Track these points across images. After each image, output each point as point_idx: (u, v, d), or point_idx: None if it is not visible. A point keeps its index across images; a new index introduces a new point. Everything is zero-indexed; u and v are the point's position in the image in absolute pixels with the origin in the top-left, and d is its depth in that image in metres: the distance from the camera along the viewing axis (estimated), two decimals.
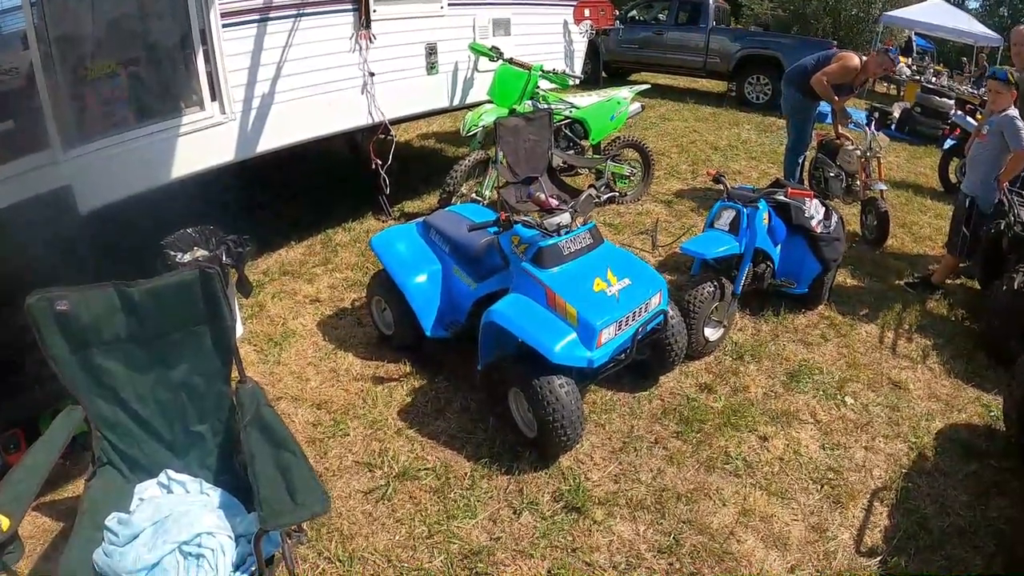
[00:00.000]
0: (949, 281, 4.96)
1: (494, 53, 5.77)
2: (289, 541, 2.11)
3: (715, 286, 3.79)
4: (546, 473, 3.01)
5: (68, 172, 3.49)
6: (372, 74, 4.97)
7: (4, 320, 2.79)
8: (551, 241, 3.09)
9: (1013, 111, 4.33)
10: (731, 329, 4.11)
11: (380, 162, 5.46)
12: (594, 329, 2.89)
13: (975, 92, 10.02)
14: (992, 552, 2.68)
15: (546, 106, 5.78)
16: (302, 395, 3.54)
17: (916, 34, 16.73)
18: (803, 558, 2.65)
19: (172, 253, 3.56)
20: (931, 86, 10.99)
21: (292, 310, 4.37)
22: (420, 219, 3.95)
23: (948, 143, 8.16)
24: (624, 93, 6.40)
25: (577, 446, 3.11)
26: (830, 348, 4.13)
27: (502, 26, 6.15)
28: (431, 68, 5.57)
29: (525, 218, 3.17)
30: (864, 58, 5.88)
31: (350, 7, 4.74)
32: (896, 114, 10.60)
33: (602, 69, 12.71)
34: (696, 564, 2.59)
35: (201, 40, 3.95)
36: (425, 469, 3.02)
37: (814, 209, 4.28)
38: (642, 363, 3.51)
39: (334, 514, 2.76)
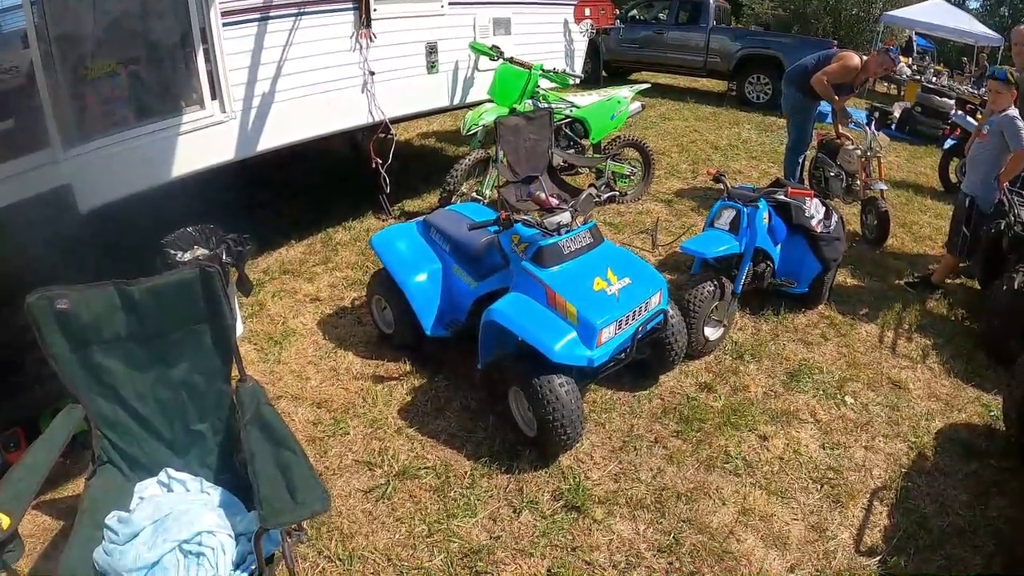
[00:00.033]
0: (949, 281, 4.97)
1: (494, 52, 5.77)
2: (289, 540, 2.11)
3: (715, 285, 3.79)
4: (546, 472, 3.01)
5: (68, 171, 3.49)
6: (372, 73, 4.97)
7: (4, 319, 2.79)
8: (551, 240, 3.09)
9: (1013, 111, 4.33)
10: (731, 328, 4.11)
11: (380, 161, 5.46)
12: (594, 328, 2.89)
13: (975, 92, 10.02)
14: (992, 552, 2.68)
15: (546, 105, 5.77)
16: (302, 394, 3.55)
17: (916, 34, 16.72)
18: (803, 557, 2.65)
19: (172, 252, 3.56)
20: (931, 86, 10.98)
21: (292, 309, 4.38)
22: (420, 218, 3.95)
23: (948, 143, 8.17)
24: (624, 92, 6.40)
25: (577, 445, 3.12)
26: (830, 348, 4.13)
27: (502, 25, 6.15)
28: (431, 67, 5.57)
29: (525, 217, 3.17)
30: (864, 58, 5.88)
31: (350, 6, 4.74)
32: (896, 114, 10.60)
33: (602, 68, 12.70)
34: (696, 563, 2.60)
35: (201, 39, 3.95)
36: (425, 468, 3.03)
37: (814, 209, 4.28)
38: (642, 362, 3.51)
39: (334, 513, 2.77)
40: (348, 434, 3.25)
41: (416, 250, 3.74)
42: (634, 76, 13.43)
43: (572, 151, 6.09)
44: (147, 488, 2.35)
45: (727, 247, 3.85)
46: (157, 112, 3.97)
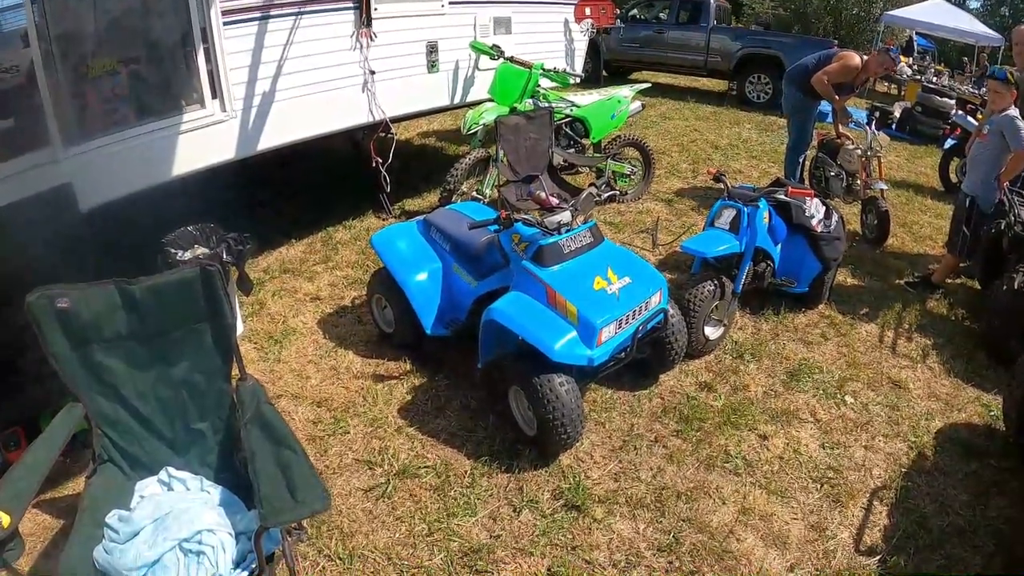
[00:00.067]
0: (949, 281, 4.97)
1: (495, 51, 5.77)
2: (289, 538, 2.12)
3: (715, 285, 3.79)
4: (546, 471, 3.02)
5: (69, 170, 3.49)
6: (373, 72, 4.97)
7: (4, 318, 2.79)
8: (552, 239, 3.10)
9: (1013, 111, 4.33)
10: (731, 328, 4.11)
11: (381, 160, 5.46)
12: (594, 327, 2.89)
13: (976, 92, 10.01)
14: (991, 551, 2.69)
15: (547, 104, 5.77)
16: (302, 393, 3.55)
17: (917, 34, 16.73)
18: (802, 557, 2.65)
19: (173, 251, 3.56)
20: (932, 86, 10.99)
21: (292, 308, 4.38)
22: (421, 217, 3.95)
23: (949, 143, 8.18)
24: (625, 92, 6.39)
25: (577, 444, 3.12)
26: (830, 347, 4.13)
27: (503, 24, 6.14)
28: (432, 66, 5.57)
29: (526, 216, 3.17)
30: (865, 57, 5.88)
31: (351, 5, 4.74)
32: (897, 114, 10.60)
33: (603, 68, 12.70)
34: (696, 562, 2.60)
35: (202, 38, 3.94)
36: (425, 467, 3.03)
37: (814, 208, 4.28)
38: (642, 362, 3.51)
39: (334, 512, 2.77)
40: (348, 433, 3.25)
41: (416, 249, 3.74)
42: (634, 75, 13.43)
43: (572, 150, 6.09)
44: (147, 487, 2.35)
45: (727, 246, 3.85)
46: (157, 111, 3.96)
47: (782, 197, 4.06)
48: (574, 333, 2.91)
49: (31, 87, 3.35)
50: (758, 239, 3.95)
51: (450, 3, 5.57)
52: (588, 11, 7.14)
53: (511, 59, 5.75)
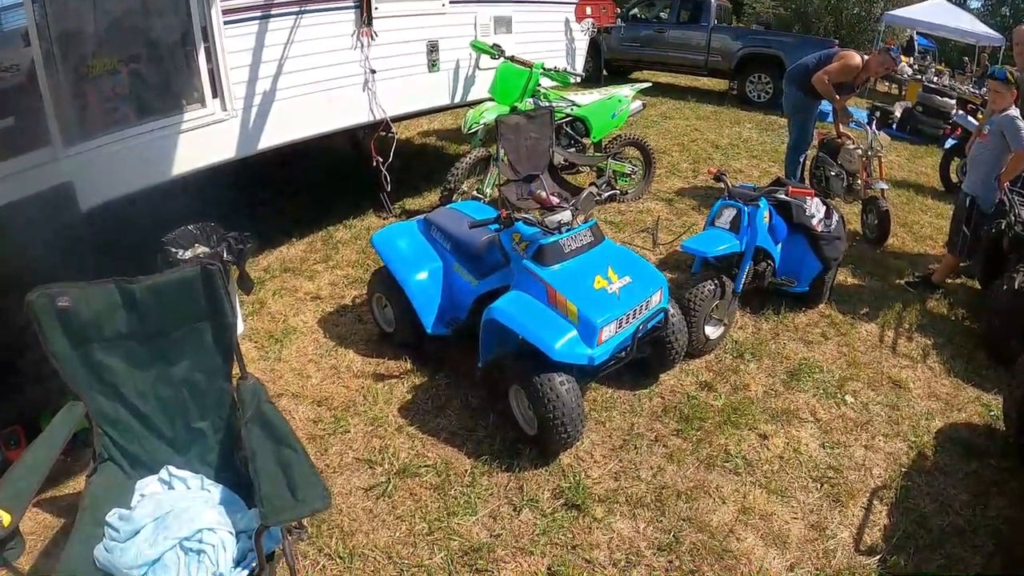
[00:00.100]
0: (949, 280, 4.97)
1: (495, 51, 5.77)
2: (290, 537, 2.12)
3: (716, 284, 3.79)
4: (546, 470, 3.02)
5: (69, 169, 3.49)
6: (373, 71, 4.97)
7: (5, 317, 2.79)
8: (552, 239, 3.10)
9: (1014, 111, 4.33)
10: (731, 327, 4.11)
11: (381, 159, 5.46)
12: (595, 327, 2.89)
13: (976, 92, 10.01)
14: (991, 551, 2.69)
15: (547, 104, 5.77)
16: (303, 392, 3.55)
17: (918, 33, 16.71)
18: (802, 556, 2.65)
19: (173, 250, 3.56)
20: (933, 85, 10.99)
21: (293, 307, 4.38)
22: (421, 216, 3.95)
23: (949, 142, 8.18)
24: (625, 91, 6.39)
25: (577, 444, 3.12)
26: (830, 347, 4.13)
27: (503, 24, 6.14)
28: (432, 66, 5.57)
29: (526, 215, 3.17)
30: (866, 57, 5.88)
31: (352, 4, 4.74)
32: (897, 113, 10.60)
33: (603, 67, 12.70)
34: (696, 562, 2.60)
35: (203, 37, 3.94)
36: (425, 466, 3.03)
37: (815, 208, 4.29)
38: (642, 361, 3.51)
39: (335, 511, 2.77)
40: (349, 432, 3.26)
41: (417, 248, 3.74)
42: (635, 75, 13.42)
43: (573, 150, 6.09)
44: (148, 485, 2.35)
45: (728, 246, 3.85)
46: (158, 110, 3.96)
47: (783, 196, 4.06)
48: (574, 332, 2.91)
49: (31, 86, 3.35)
50: (758, 239, 3.95)
51: (451, 2, 5.57)
52: (589, 10, 7.13)
53: (512, 58, 5.75)
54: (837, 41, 12.73)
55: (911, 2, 16.10)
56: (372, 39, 4.88)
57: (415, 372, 3.70)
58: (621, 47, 13.17)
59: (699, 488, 2.95)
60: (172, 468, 2.40)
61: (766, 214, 4.02)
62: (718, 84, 13.35)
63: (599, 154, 6.18)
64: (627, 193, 6.33)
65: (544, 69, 5.81)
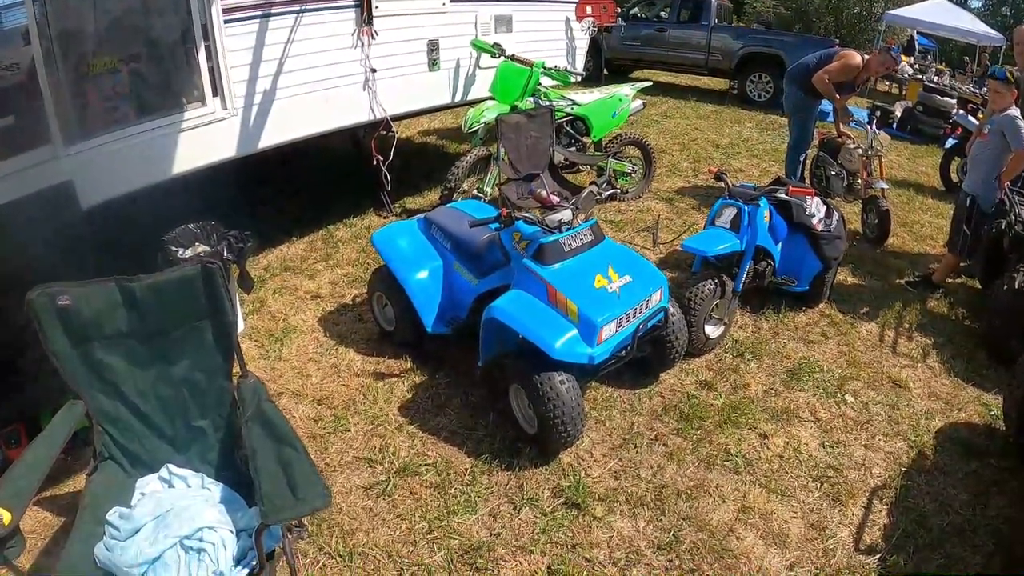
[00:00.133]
0: (950, 280, 4.97)
1: (496, 50, 5.77)
2: (290, 536, 2.12)
3: (716, 284, 3.79)
4: (546, 469, 3.02)
5: (69, 168, 3.49)
6: (374, 70, 4.96)
7: (5, 316, 2.79)
8: (552, 238, 3.10)
9: (1014, 111, 4.33)
10: (731, 327, 4.11)
11: (381, 158, 5.46)
12: (595, 326, 2.89)
13: (977, 91, 10.01)
14: (991, 551, 2.69)
15: (548, 103, 5.77)
16: (303, 391, 3.55)
17: (918, 33, 16.71)
18: (802, 555, 2.65)
19: (173, 249, 3.56)
20: (933, 85, 10.98)
21: (293, 306, 4.38)
22: (421, 215, 3.95)
23: (949, 142, 8.17)
24: (626, 90, 6.39)
25: (577, 442, 3.12)
26: (830, 346, 4.13)
27: (504, 23, 6.14)
28: (433, 64, 5.57)
29: (526, 214, 3.17)
30: (866, 57, 5.88)
31: (352, 3, 4.74)
32: (898, 113, 10.61)
33: (604, 66, 12.69)
34: (695, 561, 2.60)
35: (203, 36, 3.94)
36: (426, 465, 3.03)
37: (815, 207, 4.28)
38: (643, 360, 3.51)
39: (335, 509, 2.77)
40: (349, 431, 3.26)
41: (417, 247, 3.74)
42: (635, 74, 13.42)
43: (573, 149, 6.09)
44: (148, 484, 2.35)
45: (728, 245, 3.85)
46: (158, 109, 3.96)
47: (783, 196, 4.06)
48: (575, 331, 2.91)
49: (32, 85, 3.35)
50: (759, 238, 3.95)
51: (451, 1, 5.57)
52: (589, 9, 7.13)
53: (512, 57, 5.75)
54: (838, 40, 12.75)
55: (911, 2, 16.09)
56: (372, 38, 4.88)
57: (415, 371, 3.70)
58: (621, 46, 13.16)
59: (699, 487, 2.96)
60: (172, 467, 2.40)
61: (766, 213, 4.02)
62: (718, 83, 13.35)
63: (599, 153, 6.19)
64: (627, 192, 6.33)
65: (544, 68, 5.81)
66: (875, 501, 2.93)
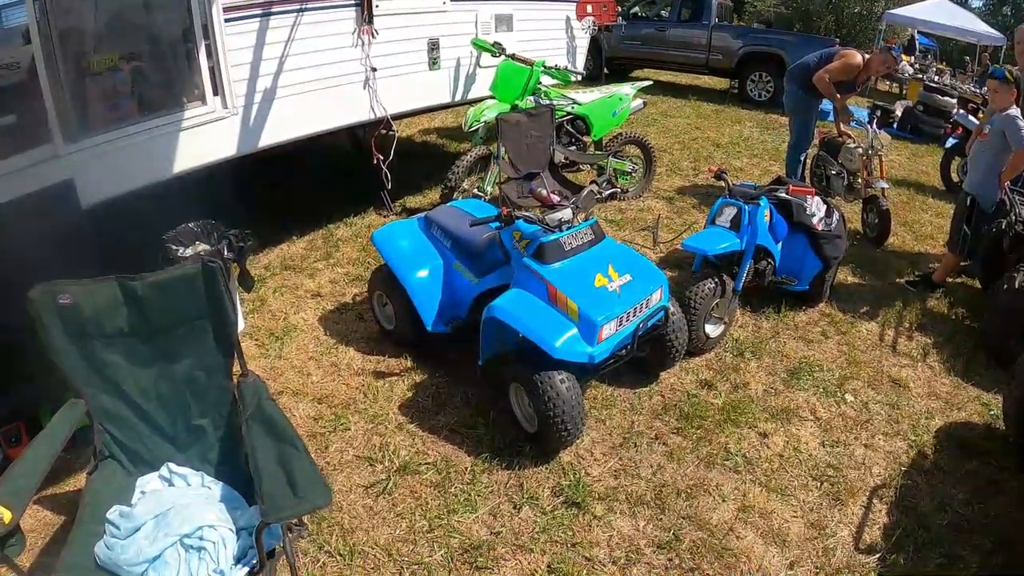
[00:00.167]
0: (950, 280, 4.96)
1: (496, 49, 5.77)
2: (290, 534, 2.12)
3: (716, 283, 3.79)
4: (546, 468, 3.02)
5: (70, 166, 3.49)
6: (374, 69, 4.96)
7: (6, 314, 2.79)
8: (553, 237, 3.10)
9: (1015, 110, 4.33)
10: (732, 326, 4.12)
11: (382, 157, 5.46)
12: (595, 325, 2.90)
13: (977, 91, 10.01)
14: (990, 550, 2.69)
15: (548, 102, 5.77)
16: (303, 389, 3.55)
17: (919, 32, 16.71)
18: (802, 554, 2.65)
19: (174, 247, 3.56)
20: (933, 85, 10.98)
21: (293, 305, 4.38)
22: (422, 214, 3.95)
23: (950, 142, 8.17)
24: (626, 89, 6.40)
25: (577, 441, 3.12)
26: (830, 345, 4.14)
27: (504, 22, 6.14)
28: (433, 64, 5.57)
29: (527, 213, 3.17)
30: (867, 56, 5.88)
31: (352, 2, 4.73)
32: (898, 112, 10.61)
33: (604, 65, 12.69)
34: (695, 560, 2.60)
35: (203, 35, 3.94)
36: (426, 464, 3.03)
37: (815, 207, 4.28)
38: (643, 359, 3.51)
39: (335, 508, 2.77)
40: (349, 430, 3.26)
41: (417, 246, 3.74)
42: (636, 73, 13.41)
43: (574, 148, 6.09)
44: (148, 483, 2.36)
45: (728, 244, 3.85)
46: (159, 108, 3.96)
47: (783, 195, 4.06)
48: (575, 330, 2.91)
49: (33, 83, 3.35)
50: (759, 237, 3.95)
51: (452, 0, 5.56)
52: (590, 8, 7.13)
53: (512, 56, 5.75)
54: (838, 40, 12.75)
55: (912, 1, 16.08)
56: (373, 37, 4.88)
57: (415, 370, 3.70)
58: (622, 45, 13.15)
59: (699, 486, 2.96)
60: (173, 465, 2.40)
61: (767, 213, 4.02)
62: (719, 83, 13.34)
63: (600, 152, 6.18)
64: (628, 191, 6.33)
65: (545, 67, 5.81)
66: (875, 500, 2.93)
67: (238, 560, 2.04)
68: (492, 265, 3.44)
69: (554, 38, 6.84)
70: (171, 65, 4.13)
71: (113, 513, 2.16)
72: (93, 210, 3.59)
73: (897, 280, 5.07)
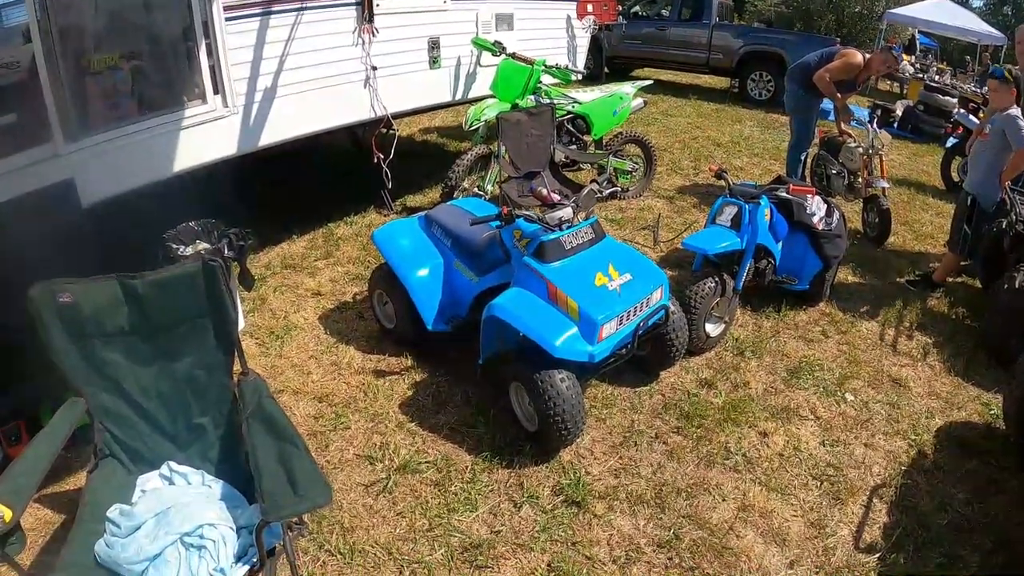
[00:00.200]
0: (950, 279, 4.96)
1: (497, 48, 5.77)
2: (290, 533, 2.12)
3: (716, 282, 3.79)
4: (547, 467, 3.02)
5: (70, 165, 3.49)
6: (375, 68, 4.96)
7: (6, 313, 2.79)
8: (553, 236, 3.10)
9: (1015, 110, 4.33)
10: (732, 325, 4.12)
11: (382, 156, 5.46)
12: (595, 324, 2.89)
13: (978, 91, 10.01)
14: (990, 549, 2.69)
15: (549, 101, 5.77)
16: (303, 388, 3.55)
17: (919, 32, 16.70)
18: (802, 554, 2.65)
19: (174, 246, 3.56)
20: (934, 84, 10.98)
21: (294, 303, 4.38)
22: (422, 213, 3.95)
23: (950, 141, 8.17)
24: (627, 89, 6.40)
25: (578, 440, 3.12)
26: (831, 345, 4.14)
27: (505, 21, 6.14)
28: (434, 62, 5.56)
29: (527, 212, 3.17)
30: (867, 55, 5.88)
31: (353, 1, 4.73)
32: (899, 112, 10.60)
33: (605, 64, 12.69)
34: (695, 559, 2.60)
35: (204, 33, 3.94)
36: (426, 462, 3.03)
37: (816, 206, 4.28)
38: (643, 358, 3.51)
39: (335, 507, 2.77)
40: (349, 428, 3.26)
41: (418, 245, 3.74)
42: (636, 72, 13.41)
43: (574, 147, 6.09)
44: (149, 481, 2.36)
45: (729, 244, 3.85)
46: (159, 106, 3.96)
47: (784, 194, 4.06)
48: (575, 329, 2.91)
49: (33, 82, 3.35)
50: (759, 236, 3.94)
51: None
52: (590, 7, 7.13)
53: (513, 55, 5.74)
54: (839, 39, 12.73)
55: (913, 0, 16.07)
56: (373, 36, 4.88)
57: (416, 369, 3.71)
58: (623, 44, 13.14)
59: (699, 485, 2.96)
60: (173, 464, 2.40)
61: (767, 212, 4.02)
62: (719, 82, 13.33)
63: (600, 151, 6.18)
64: (628, 190, 6.32)
65: (546, 66, 5.81)
66: (875, 500, 2.93)
67: (238, 558, 2.04)
68: (492, 264, 3.44)
69: (555, 37, 6.84)
70: (171, 64, 4.13)
71: (113, 511, 2.16)
72: (93, 209, 3.59)
73: (897, 279, 5.07)
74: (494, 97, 5.73)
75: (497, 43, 5.79)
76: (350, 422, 3.30)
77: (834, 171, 5.89)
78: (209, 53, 3.99)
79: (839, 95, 5.90)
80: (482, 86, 6.01)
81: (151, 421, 2.43)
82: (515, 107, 5.48)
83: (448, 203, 4.09)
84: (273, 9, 4.22)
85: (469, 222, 3.34)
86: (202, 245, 3.64)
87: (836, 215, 4.39)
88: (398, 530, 2.69)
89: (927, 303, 4.70)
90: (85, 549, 2.03)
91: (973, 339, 4.24)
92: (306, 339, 4.00)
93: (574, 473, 2.97)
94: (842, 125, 6.14)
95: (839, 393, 3.66)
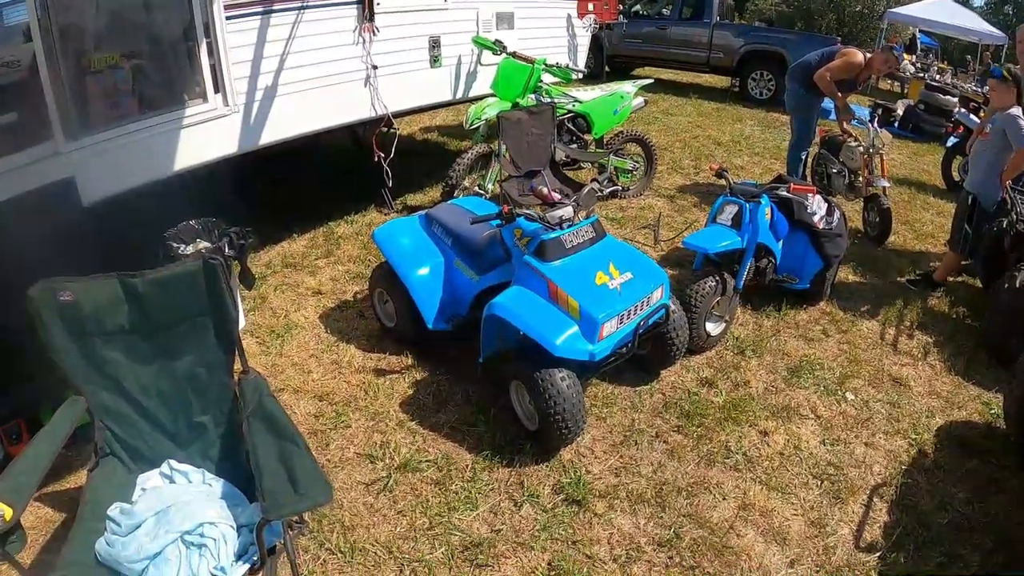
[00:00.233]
0: (951, 279, 4.96)
1: (497, 47, 5.76)
2: (291, 532, 2.12)
3: (717, 281, 3.79)
4: (547, 466, 3.02)
5: (70, 164, 3.49)
6: (375, 67, 4.96)
7: (6, 311, 2.79)
8: (553, 234, 3.10)
9: (1016, 110, 4.33)
10: (732, 324, 4.11)
11: (383, 155, 5.46)
12: (596, 322, 2.89)
13: (979, 90, 10.01)
14: (991, 549, 2.69)
15: (549, 100, 5.77)
16: (304, 387, 3.55)
17: (920, 31, 16.69)
18: (802, 553, 2.65)
19: (175, 245, 3.56)
20: (935, 84, 10.96)
21: (294, 302, 4.38)
22: (422, 212, 3.95)
23: (951, 140, 8.17)
24: (627, 88, 6.39)
25: (578, 439, 3.12)
26: (831, 344, 4.13)
27: (505, 20, 6.14)
28: (434, 61, 5.56)
29: (528, 211, 3.17)
30: (868, 55, 5.88)
31: (354, 0, 4.73)
32: (899, 111, 10.59)
33: (605, 63, 12.68)
34: (696, 558, 2.60)
35: (204, 32, 3.94)
36: (426, 461, 3.03)
37: (816, 205, 4.28)
38: (643, 357, 3.51)
39: (335, 505, 2.78)
40: (350, 427, 3.26)
41: (418, 244, 3.74)
42: (637, 71, 13.40)
43: (575, 146, 6.09)
44: (149, 480, 2.36)
45: (729, 243, 3.84)
46: (160, 105, 3.96)
47: (784, 193, 4.05)
48: (576, 328, 2.91)
49: (33, 81, 3.35)
50: (760, 235, 3.94)
51: None
52: (591, 6, 7.13)
53: (514, 54, 5.74)
54: (840, 38, 12.73)
55: (913, 0, 16.06)
56: (374, 35, 4.88)
57: (416, 367, 3.71)
58: (623, 43, 13.14)
59: (699, 484, 2.96)
60: (173, 462, 2.41)
61: (768, 211, 4.02)
62: (720, 81, 13.32)
63: (601, 150, 6.18)
64: (629, 189, 6.32)
65: (546, 65, 5.81)
66: (875, 499, 2.93)
67: (239, 557, 2.04)
68: (493, 263, 3.44)
69: (555, 36, 6.84)
70: (172, 63, 4.13)
71: (114, 510, 2.16)
72: (94, 208, 3.59)
73: (898, 279, 5.07)
74: (495, 96, 5.73)
75: (498, 42, 5.79)
76: (350, 421, 3.30)
77: (835, 170, 5.89)
78: (210, 52, 3.99)
79: (840, 94, 5.89)
80: (483, 85, 6.00)
81: (151, 419, 2.43)
82: (516, 106, 5.48)
83: (449, 202, 4.10)
84: (274, 8, 4.22)
85: (470, 221, 3.34)
86: (203, 244, 3.64)
87: (837, 214, 4.39)
88: (398, 529, 2.69)
89: (928, 302, 4.70)
90: (86, 547, 2.04)
91: (974, 338, 4.24)
92: (307, 338, 4.00)
93: (574, 472, 2.97)
94: (843, 124, 6.13)
95: (840, 392, 3.66)
